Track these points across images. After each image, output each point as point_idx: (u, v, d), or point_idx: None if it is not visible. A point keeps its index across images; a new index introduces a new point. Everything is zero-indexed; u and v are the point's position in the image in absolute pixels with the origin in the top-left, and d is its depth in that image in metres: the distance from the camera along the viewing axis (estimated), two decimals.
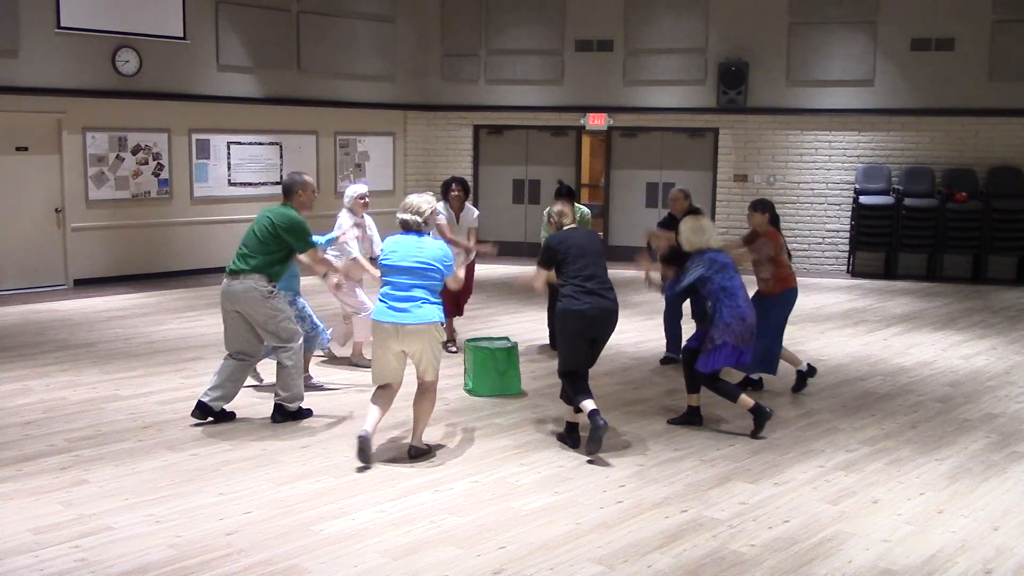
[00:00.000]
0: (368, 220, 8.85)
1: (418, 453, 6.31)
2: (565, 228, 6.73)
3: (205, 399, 6.99)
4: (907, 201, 15.05)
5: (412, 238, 6.17)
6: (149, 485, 5.79)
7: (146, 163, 13.88)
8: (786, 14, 15.73)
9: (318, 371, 8.56)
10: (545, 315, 10.29)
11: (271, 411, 7.15)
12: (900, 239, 15.14)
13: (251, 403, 7.53)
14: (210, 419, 6.97)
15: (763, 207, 8.06)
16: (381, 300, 6.14)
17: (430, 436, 6.78)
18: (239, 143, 14.74)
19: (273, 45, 15.12)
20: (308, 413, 7.22)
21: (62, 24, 12.84)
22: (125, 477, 5.92)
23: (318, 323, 8.03)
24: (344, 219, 8.65)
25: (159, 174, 14.03)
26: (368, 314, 8.68)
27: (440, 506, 5.53)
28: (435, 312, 6.12)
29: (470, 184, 10.67)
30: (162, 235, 14.13)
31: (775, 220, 8.10)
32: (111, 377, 8.39)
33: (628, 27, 16.36)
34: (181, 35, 13.99)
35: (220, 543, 4.98)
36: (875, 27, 15.43)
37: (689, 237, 7.03)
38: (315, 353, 8.49)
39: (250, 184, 14.85)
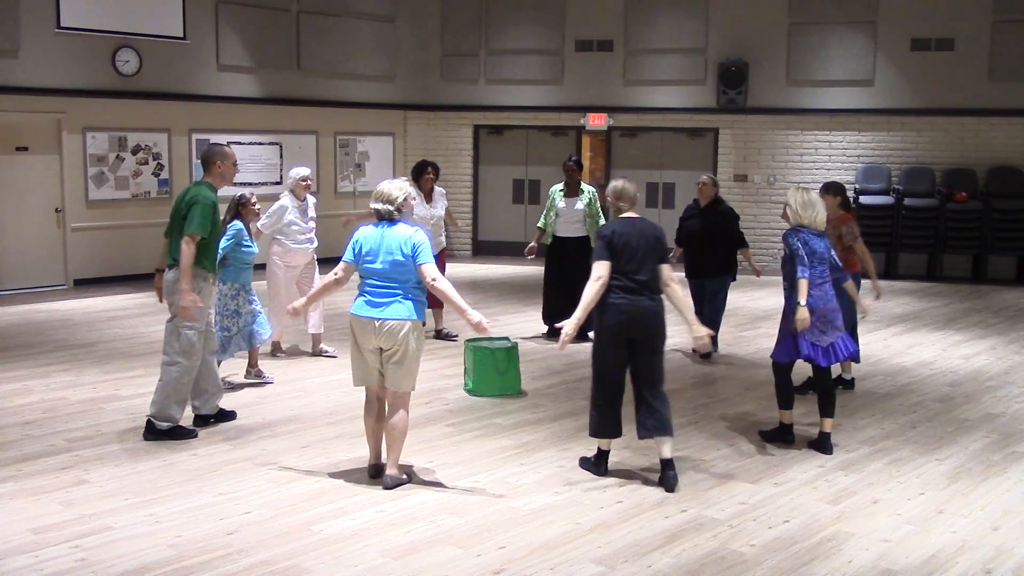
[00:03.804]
0: (310, 200, 9.12)
1: (395, 483, 5.76)
2: (622, 216, 6.05)
3: (196, 411, 6.89)
4: (907, 201, 15.05)
5: (380, 231, 5.74)
6: (149, 485, 5.79)
7: (146, 163, 13.88)
8: (786, 14, 15.73)
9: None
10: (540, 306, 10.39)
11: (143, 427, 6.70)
12: (900, 239, 15.14)
13: (251, 403, 7.53)
14: (212, 421, 6.96)
15: (836, 190, 7.87)
16: (360, 294, 5.81)
17: (430, 436, 6.79)
18: (239, 143, 14.73)
19: (273, 45, 15.12)
20: (190, 434, 6.63)
21: (62, 24, 12.84)
22: (125, 477, 5.92)
23: (259, 311, 7.94)
24: (286, 201, 8.93)
25: (159, 174, 14.03)
26: (280, 310, 8.77)
27: (440, 506, 5.53)
28: (414, 309, 5.71)
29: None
30: (162, 235, 14.09)
31: (846, 204, 7.96)
32: (111, 377, 8.39)
33: (628, 27, 16.36)
34: (181, 35, 13.99)
35: (220, 543, 4.98)
36: (875, 27, 15.43)
37: (798, 211, 6.55)
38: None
39: (250, 184, 14.80)
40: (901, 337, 10.72)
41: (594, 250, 6.02)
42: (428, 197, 9.82)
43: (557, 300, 10.08)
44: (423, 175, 9.80)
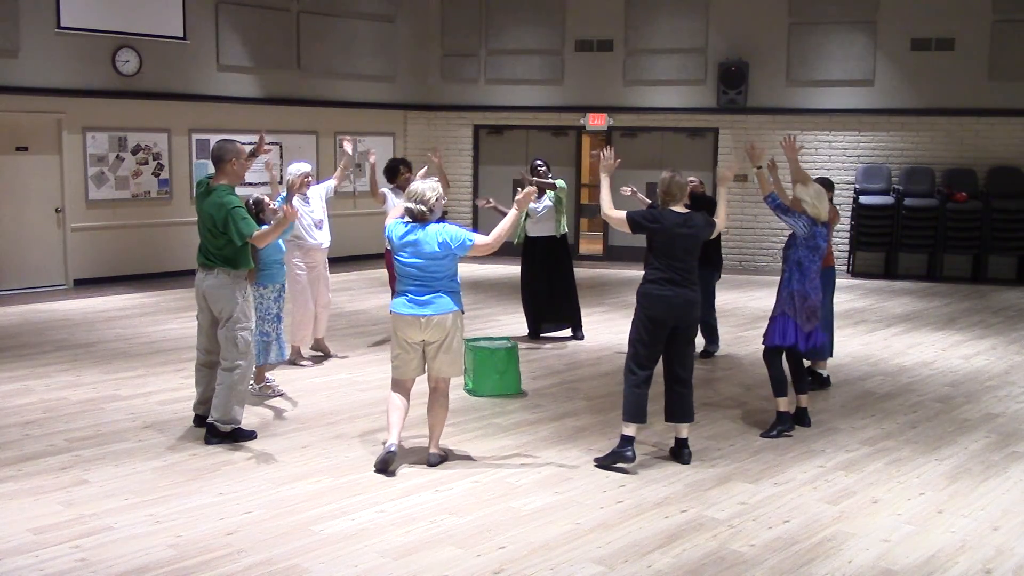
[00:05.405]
0: (312, 192, 9.06)
1: (439, 460, 6.21)
2: (673, 209, 6.26)
3: (196, 411, 6.89)
4: (907, 201, 15.05)
5: (412, 230, 6.01)
6: (149, 485, 5.79)
7: (146, 163, 13.88)
8: (786, 14, 15.73)
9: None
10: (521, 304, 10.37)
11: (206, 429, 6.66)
12: (900, 239, 15.14)
13: (251, 403, 7.51)
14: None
15: (828, 184, 8.10)
16: (400, 293, 6.08)
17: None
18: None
19: (273, 45, 15.12)
20: (250, 435, 6.66)
21: (62, 24, 12.84)
22: (125, 477, 5.92)
23: (282, 332, 7.87)
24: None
25: (159, 174, 14.03)
26: (305, 313, 8.84)
27: (440, 506, 5.53)
28: (454, 301, 6.06)
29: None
30: (162, 235, 14.12)
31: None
32: (111, 377, 8.39)
33: (628, 27, 16.36)
34: (181, 35, 13.99)
35: (220, 543, 4.98)
36: (875, 27, 15.44)
37: (814, 202, 6.93)
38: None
39: (250, 184, 14.83)
40: (901, 337, 10.72)
41: (637, 210, 6.42)
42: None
43: (539, 303, 10.07)
44: (398, 176, 9.92)
